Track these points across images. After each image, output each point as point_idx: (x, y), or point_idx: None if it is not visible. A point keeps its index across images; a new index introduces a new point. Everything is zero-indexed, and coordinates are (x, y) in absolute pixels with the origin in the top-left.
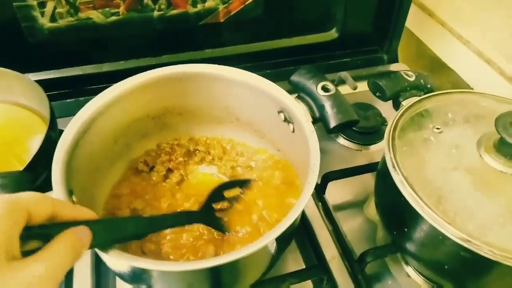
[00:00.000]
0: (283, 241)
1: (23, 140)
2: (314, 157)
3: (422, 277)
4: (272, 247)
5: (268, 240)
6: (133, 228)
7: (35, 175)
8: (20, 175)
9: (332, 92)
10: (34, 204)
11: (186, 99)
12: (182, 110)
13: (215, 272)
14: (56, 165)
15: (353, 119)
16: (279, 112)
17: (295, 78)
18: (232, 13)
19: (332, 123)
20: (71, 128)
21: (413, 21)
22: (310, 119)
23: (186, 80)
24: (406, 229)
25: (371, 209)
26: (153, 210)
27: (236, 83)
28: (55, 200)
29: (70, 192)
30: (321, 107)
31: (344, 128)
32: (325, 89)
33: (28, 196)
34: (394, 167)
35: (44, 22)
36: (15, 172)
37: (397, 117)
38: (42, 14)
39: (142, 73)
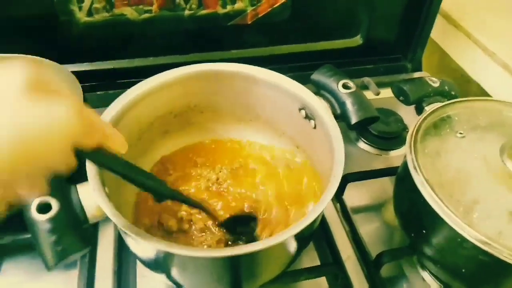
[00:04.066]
0: (302, 240)
1: None
2: (338, 151)
3: (438, 282)
4: (292, 244)
5: (287, 235)
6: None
7: None
8: None
9: (353, 89)
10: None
11: (208, 97)
12: (203, 108)
13: (234, 263)
14: None
15: (373, 115)
16: (300, 109)
17: (316, 76)
18: (259, 16)
19: (354, 119)
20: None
21: (438, 31)
22: (332, 115)
23: (209, 78)
24: (424, 231)
25: (389, 214)
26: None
27: (257, 81)
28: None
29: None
30: (342, 104)
31: (365, 125)
32: (345, 86)
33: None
34: (415, 168)
35: (81, 16)
36: None
37: (420, 120)
38: (80, 8)
39: (167, 71)
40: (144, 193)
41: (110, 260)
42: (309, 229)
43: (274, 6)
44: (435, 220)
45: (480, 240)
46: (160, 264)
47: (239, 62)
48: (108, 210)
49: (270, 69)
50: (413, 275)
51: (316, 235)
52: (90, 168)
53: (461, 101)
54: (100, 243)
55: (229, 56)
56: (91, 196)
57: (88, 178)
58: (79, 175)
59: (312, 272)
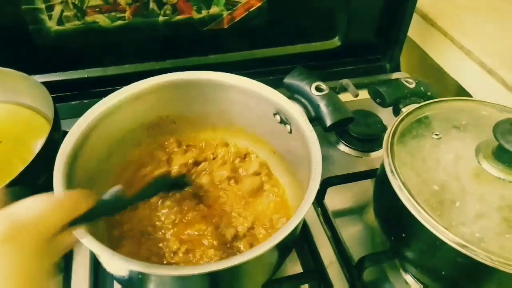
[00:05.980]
0: (284, 249)
1: (27, 140)
2: (315, 155)
3: (420, 284)
4: (274, 254)
5: (268, 246)
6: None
7: (37, 175)
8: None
9: (326, 91)
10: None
11: (180, 106)
12: (176, 118)
13: (213, 278)
14: (58, 167)
15: (348, 116)
16: (274, 114)
17: (288, 80)
18: (236, 20)
19: (328, 122)
20: (73, 133)
21: (416, 31)
22: (307, 119)
23: (180, 88)
24: (403, 235)
25: (370, 216)
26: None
27: (229, 87)
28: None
29: None
30: (316, 107)
31: (340, 126)
32: (318, 89)
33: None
34: (392, 172)
35: (51, 25)
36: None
37: (397, 122)
38: (50, 17)
39: (137, 82)
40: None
41: (86, 278)
42: (291, 237)
43: (250, 10)
44: (414, 224)
45: (457, 243)
46: (135, 284)
47: (217, 67)
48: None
49: (249, 73)
50: (395, 278)
51: (298, 241)
52: (57, 186)
53: (437, 101)
54: (75, 265)
55: (206, 62)
56: None
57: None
58: (49, 183)
59: (294, 281)
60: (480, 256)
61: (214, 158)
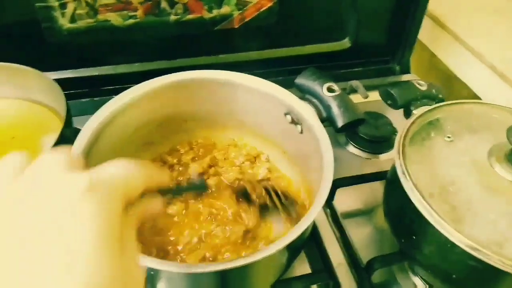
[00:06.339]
0: (293, 249)
1: (39, 137)
2: (327, 156)
3: (429, 286)
4: (283, 255)
5: (279, 247)
6: None
7: None
8: None
9: (338, 92)
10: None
11: (191, 105)
12: (187, 117)
13: (222, 277)
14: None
15: (359, 117)
16: (285, 114)
17: (300, 80)
18: (246, 20)
19: (340, 123)
20: (86, 130)
21: (426, 33)
22: (319, 120)
23: (190, 86)
24: (414, 237)
25: (380, 218)
26: None
27: (239, 87)
28: (146, 175)
29: None
30: (327, 108)
31: (351, 127)
32: (330, 90)
33: (124, 177)
34: (404, 173)
35: (64, 22)
36: None
37: (409, 125)
38: (63, 15)
39: (148, 81)
40: None
41: None
42: (301, 238)
43: (261, 10)
44: (425, 226)
45: (469, 246)
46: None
47: (227, 67)
48: None
49: (258, 73)
50: (404, 280)
51: (307, 242)
52: None
53: (448, 104)
54: None
55: (216, 61)
56: None
57: None
58: None
59: (303, 281)
60: (493, 259)
61: (225, 159)
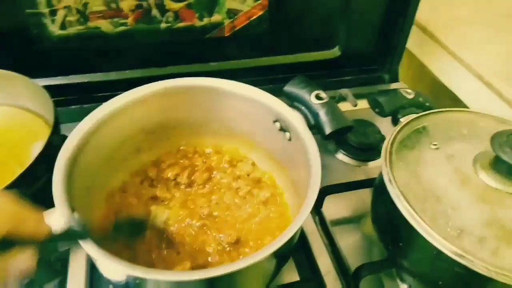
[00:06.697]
0: (281, 257)
1: (26, 144)
2: (314, 163)
3: None
4: (271, 262)
5: (266, 254)
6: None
7: (36, 178)
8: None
9: (326, 100)
10: None
11: (180, 112)
12: (176, 124)
13: (209, 284)
14: (57, 170)
15: (347, 125)
16: (274, 121)
17: (288, 88)
18: (237, 28)
19: (327, 130)
20: (73, 137)
21: (415, 42)
22: (307, 127)
23: (179, 94)
24: (401, 244)
25: (368, 225)
26: None
27: (229, 94)
28: (16, 213)
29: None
30: (315, 115)
31: (339, 135)
32: (318, 97)
33: None
34: (390, 181)
35: (54, 29)
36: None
37: (395, 132)
38: (53, 21)
39: (136, 88)
40: (110, 215)
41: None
42: (288, 245)
43: (252, 19)
44: (411, 233)
45: (455, 253)
46: None
47: (218, 75)
48: None
49: (249, 81)
50: (392, 287)
51: (295, 249)
52: (57, 193)
53: (435, 112)
54: (70, 270)
55: (207, 69)
56: (59, 222)
57: (55, 204)
58: (47, 187)
59: None
60: (477, 266)
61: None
